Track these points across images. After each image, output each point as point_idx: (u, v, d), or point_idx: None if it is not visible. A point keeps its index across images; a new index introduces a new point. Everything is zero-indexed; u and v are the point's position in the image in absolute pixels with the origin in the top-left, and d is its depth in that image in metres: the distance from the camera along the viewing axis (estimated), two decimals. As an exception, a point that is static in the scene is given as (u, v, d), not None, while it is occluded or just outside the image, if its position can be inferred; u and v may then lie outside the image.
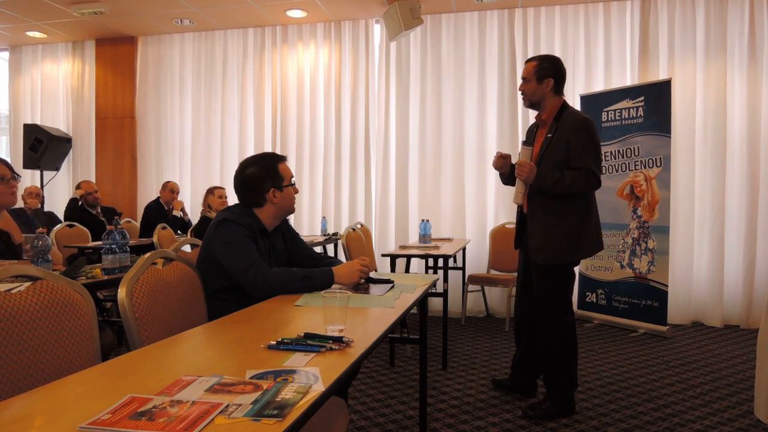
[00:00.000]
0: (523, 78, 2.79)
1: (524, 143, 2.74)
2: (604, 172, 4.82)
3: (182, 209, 5.59)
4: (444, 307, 3.67)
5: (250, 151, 5.77)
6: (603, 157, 2.77)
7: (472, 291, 5.16)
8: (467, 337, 4.44)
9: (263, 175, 2.15)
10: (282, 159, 2.24)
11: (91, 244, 4.27)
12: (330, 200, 5.78)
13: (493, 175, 5.39)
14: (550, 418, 2.72)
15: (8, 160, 6.02)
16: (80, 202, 5.14)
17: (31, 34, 6.17)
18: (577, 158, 2.60)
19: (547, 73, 2.71)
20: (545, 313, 2.76)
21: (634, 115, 4.67)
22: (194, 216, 5.83)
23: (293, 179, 2.25)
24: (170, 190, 5.46)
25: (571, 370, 2.77)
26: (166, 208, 5.41)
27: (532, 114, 5.37)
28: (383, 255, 4.00)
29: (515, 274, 4.99)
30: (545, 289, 2.75)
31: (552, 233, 2.66)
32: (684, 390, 3.16)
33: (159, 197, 5.50)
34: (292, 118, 5.89)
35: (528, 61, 2.83)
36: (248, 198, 2.18)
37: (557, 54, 5.32)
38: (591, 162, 2.59)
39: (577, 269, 5.02)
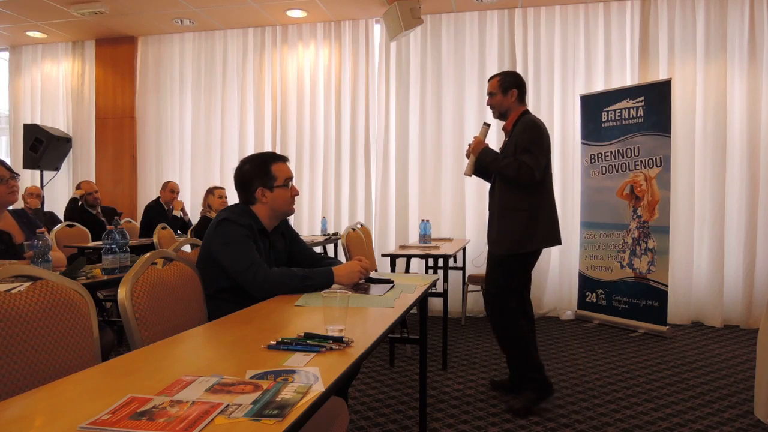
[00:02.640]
0: (489, 93, 3.01)
1: (485, 123, 3.04)
2: (597, 174, 4.84)
3: (182, 209, 5.59)
4: (444, 307, 3.67)
5: (250, 151, 5.74)
6: (555, 162, 3.01)
7: (472, 291, 5.16)
8: (467, 337, 4.44)
9: (253, 174, 2.16)
10: (278, 159, 2.21)
11: (91, 244, 4.27)
12: (330, 200, 5.78)
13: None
14: (534, 403, 2.80)
15: (8, 160, 6.03)
16: (80, 202, 5.13)
17: (31, 34, 6.17)
18: (519, 152, 2.81)
19: (510, 84, 2.94)
20: (492, 301, 2.91)
21: (634, 115, 4.67)
22: (194, 216, 5.82)
23: (290, 181, 2.21)
24: (170, 190, 5.46)
25: (527, 353, 2.86)
26: (167, 208, 5.42)
27: (533, 114, 5.39)
28: (383, 255, 3.99)
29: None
30: (495, 279, 2.91)
31: (504, 226, 2.86)
32: (684, 390, 3.16)
33: (159, 197, 5.50)
34: (292, 118, 5.89)
35: (491, 78, 3.05)
36: (241, 195, 2.20)
37: (557, 54, 5.34)
38: (529, 158, 2.75)
39: (577, 269, 5.07)
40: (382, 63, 5.69)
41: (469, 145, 3.04)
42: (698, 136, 4.96)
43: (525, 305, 3.00)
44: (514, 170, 2.77)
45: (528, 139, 2.79)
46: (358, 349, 1.27)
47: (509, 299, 2.87)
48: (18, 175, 2.67)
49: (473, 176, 3.16)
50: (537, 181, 2.79)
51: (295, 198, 2.25)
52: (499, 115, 3.01)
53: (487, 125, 3.03)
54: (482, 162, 2.93)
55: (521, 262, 2.88)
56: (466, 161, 3.08)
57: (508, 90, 2.93)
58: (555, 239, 2.94)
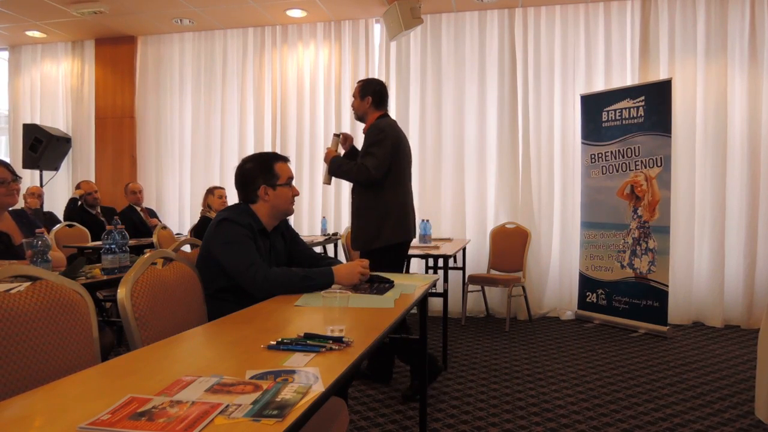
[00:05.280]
0: (353, 96, 3.29)
1: (335, 134, 3.29)
2: (597, 174, 4.84)
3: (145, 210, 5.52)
4: (444, 307, 3.66)
5: (250, 151, 5.72)
6: (401, 164, 3.17)
7: (472, 291, 5.15)
8: (467, 337, 4.44)
9: (257, 172, 2.16)
10: (281, 159, 2.23)
11: (91, 244, 4.27)
12: (330, 200, 5.77)
13: (493, 175, 5.39)
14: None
15: (8, 160, 6.02)
16: (80, 202, 5.13)
17: (30, 33, 6.16)
18: (360, 156, 3.11)
19: (366, 92, 3.20)
20: None
21: (635, 115, 4.67)
22: (194, 216, 5.83)
23: (291, 180, 2.22)
24: (131, 191, 5.44)
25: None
26: (138, 209, 5.39)
27: (533, 114, 5.40)
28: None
29: (516, 274, 5.02)
30: None
31: (359, 224, 3.14)
32: (684, 390, 3.16)
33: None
34: (292, 118, 5.89)
35: (357, 82, 3.30)
36: (243, 193, 2.20)
37: (557, 54, 5.34)
38: (368, 160, 3.01)
39: (577, 269, 5.07)
40: (382, 63, 5.68)
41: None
42: (699, 136, 4.96)
43: None
44: (353, 174, 3.05)
45: (369, 143, 3.05)
46: (358, 349, 1.26)
47: None
48: (20, 177, 2.67)
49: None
50: (376, 180, 3.01)
51: (295, 198, 2.25)
52: (358, 117, 3.28)
53: (336, 135, 3.26)
54: (331, 168, 3.16)
55: (380, 257, 3.01)
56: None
57: (364, 96, 3.19)
58: (405, 234, 3.13)
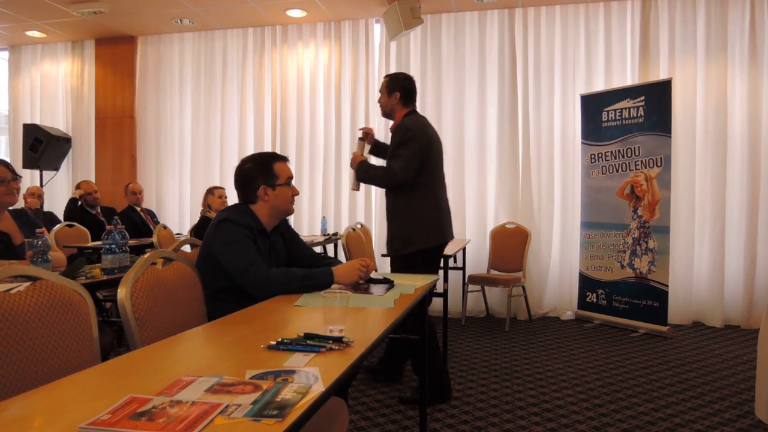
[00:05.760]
0: (380, 91, 3.14)
1: (360, 138, 3.20)
2: (597, 174, 4.84)
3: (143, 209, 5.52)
4: (444, 307, 3.66)
5: (250, 152, 5.72)
6: (429, 163, 3.01)
7: (472, 291, 5.15)
8: (467, 337, 4.44)
9: (256, 172, 2.16)
10: (280, 158, 2.23)
11: (91, 244, 4.27)
12: (330, 200, 5.77)
13: (494, 175, 5.39)
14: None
15: (8, 159, 6.00)
16: (80, 202, 5.13)
17: (30, 33, 6.16)
18: (387, 158, 2.96)
19: (394, 87, 3.04)
20: None
21: (635, 115, 4.67)
22: (194, 216, 5.82)
23: (291, 180, 2.23)
24: (131, 192, 5.45)
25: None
26: (138, 209, 5.40)
27: (533, 114, 5.40)
28: (383, 255, 3.98)
29: (515, 274, 5.03)
30: None
31: (392, 228, 3.02)
32: (684, 390, 3.16)
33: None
34: (292, 118, 5.89)
35: (384, 77, 3.15)
36: (243, 194, 2.20)
37: (557, 54, 5.34)
38: (396, 162, 2.88)
39: (577, 269, 5.07)
40: (382, 63, 5.68)
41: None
42: (699, 136, 4.96)
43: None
44: (381, 179, 2.96)
45: (396, 144, 2.90)
46: (358, 349, 1.26)
47: None
48: (20, 176, 2.67)
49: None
50: (404, 183, 2.87)
51: (295, 198, 2.26)
52: (385, 114, 3.13)
53: (361, 139, 3.15)
54: (357, 174, 3.02)
55: (414, 261, 2.92)
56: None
57: (392, 92, 3.03)
58: (439, 237, 3.00)
